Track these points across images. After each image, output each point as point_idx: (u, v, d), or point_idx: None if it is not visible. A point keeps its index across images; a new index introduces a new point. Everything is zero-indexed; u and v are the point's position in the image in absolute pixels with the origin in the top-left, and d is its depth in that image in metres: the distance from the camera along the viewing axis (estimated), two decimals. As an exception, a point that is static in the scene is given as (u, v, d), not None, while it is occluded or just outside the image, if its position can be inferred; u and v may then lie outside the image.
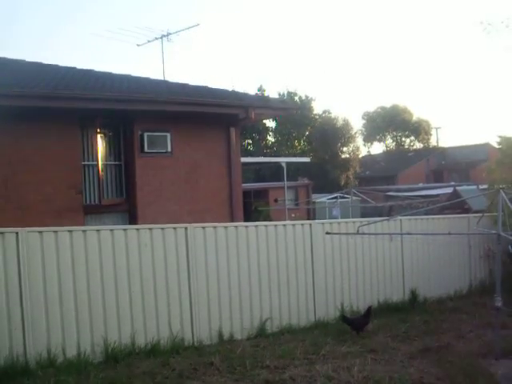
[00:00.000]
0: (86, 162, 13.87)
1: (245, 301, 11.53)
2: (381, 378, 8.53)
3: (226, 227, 11.52)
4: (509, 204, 9.95)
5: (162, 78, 20.60)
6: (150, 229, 10.60)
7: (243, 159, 22.05)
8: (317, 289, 12.50)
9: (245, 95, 17.98)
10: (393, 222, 13.81)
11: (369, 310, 11.72)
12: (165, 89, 15.26)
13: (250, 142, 53.67)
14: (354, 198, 28.28)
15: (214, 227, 11.31)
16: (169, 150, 14.36)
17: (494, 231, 10.61)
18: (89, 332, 9.77)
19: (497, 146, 17.34)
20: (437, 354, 9.98)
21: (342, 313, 12.58)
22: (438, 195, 31.50)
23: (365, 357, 9.78)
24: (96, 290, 9.88)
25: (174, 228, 10.84)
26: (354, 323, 11.51)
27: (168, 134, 14.31)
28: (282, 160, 29.18)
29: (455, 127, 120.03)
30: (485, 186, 18.73)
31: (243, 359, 9.62)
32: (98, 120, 13.69)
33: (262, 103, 16.53)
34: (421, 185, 45.58)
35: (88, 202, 13.81)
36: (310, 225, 12.63)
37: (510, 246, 10.64)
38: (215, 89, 16.48)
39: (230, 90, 18.62)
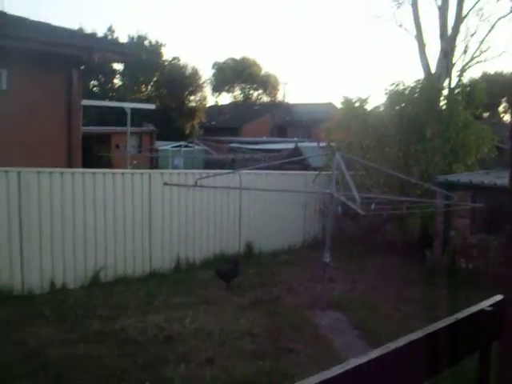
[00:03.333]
0: None
1: (79, 249, 11.25)
2: (212, 329, 8.71)
3: (62, 173, 11.13)
4: (342, 165, 10.32)
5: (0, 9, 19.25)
6: (-20, 172, 10.02)
7: (86, 102, 21.29)
8: (153, 240, 12.42)
9: (90, 36, 17.32)
10: (233, 176, 13.94)
11: (236, 262, 11.83)
12: (3, 21, 14.25)
13: (96, 83, 51.98)
14: (198, 147, 28.28)
15: (50, 173, 10.89)
16: (4, 87, 13.49)
17: (328, 190, 11.01)
18: None
19: (339, 106, 17.89)
20: (267, 306, 10.31)
21: (178, 263, 12.68)
22: (280, 150, 32.19)
23: (198, 308, 9.92)
24: None
25: (6, 172, 10.30)
26: (225, 275, 11.58)
27: (4, 71, 13.41)
28: (127, 105, 28.46)
29: (302, 84, 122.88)
30: (325, 144, 19.35)
31: (75, 309, 9.47)
32: None
33: (107, 46, 15.94)
34: (265, 138, 46.42)
35: None
36: (149, 174, 12.48)
37: (339, 207, 11.08)
38: (59, 27, 15.61)
39: (76, 28, 17.81)
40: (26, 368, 7.07)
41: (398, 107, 15.34)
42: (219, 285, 11.56)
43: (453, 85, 22.64)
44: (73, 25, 35.98)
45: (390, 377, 1.58)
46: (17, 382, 5.91)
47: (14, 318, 9.01)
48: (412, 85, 15.38)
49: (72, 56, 14.35)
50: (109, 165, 25.55)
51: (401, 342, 1.61)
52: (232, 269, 11.72)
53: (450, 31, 24.04)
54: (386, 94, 15.58)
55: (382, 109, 16.38)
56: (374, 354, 1.53)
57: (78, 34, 16.89)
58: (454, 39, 24.23)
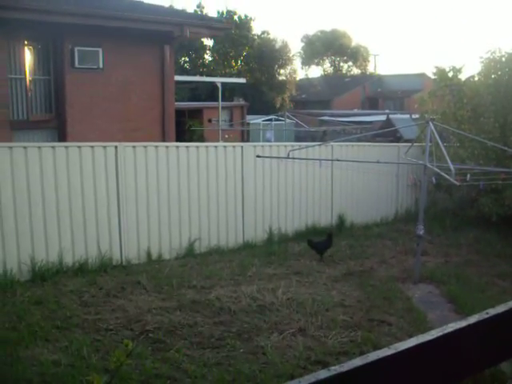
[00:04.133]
0: (12, 76, 13.32)
1: (174, 221, 11.55)
2: (304, 300, 8.78)
3: (156, 147, 11.41)
4: (436, 136, 10.13)
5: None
6: (79, 147, 10.40)
7: (178, 77, 21.68)
8: (246, 211, 12.60)
9: (181, 12, 17.60)
10: (324, 148, 13.92)
11: (330, 234, 11.94)
12: (97, 2, 14.67)
13: (187, 59, 52.67)
14: (289, 121, 28.30)
15: (145, 146, 11.18)
16: (100, 66, 13.92)
17: (421, 162, 10.84)
18: (15, 250, 9.67)
19: (432, 77, 17.46)
20: (359, 278, 10.32)
21: (270, 235, 12.83)
22: (371, 122, 31.80)
23: (290, 279, 10.03)
24: (23, 209, 9.71)
25: (104, 146, 10.66)
26: (318, 247, 11.70)
27: (100, 50, 13.83)
28: (218, 80, 28.74)
29: (393, 55, 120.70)
30: (417, 116, 19.00)
31: (170, 279, 9.74)
32: (26, 31, 13.04)
33: (198, 22, 16.12)
34: (356, 111, 45.92)
35: (15, 118, 13.35)
36: (242, 147, 12.61)
37: (433, 178, 10.88)
38: (150, 4, 15.98)
39: (167, 6, 18.09)
40: (128, 332, 7.39)
41: (494, 75, 14.83)
42: (311, 256, 11.64)
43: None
44: (163, 3, 36.43)
45: (486, 343, 1.59)
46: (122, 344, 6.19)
47: (114, 286, 9.39)
48: (510, 52, 14.81)
49: (164, 32, 14.67)
50: (201, 139, 25.96)
51: (500, 308, 1.61)
52: (325, 240, 11.78)
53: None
54: (482, 62, 15.06)
55: (477, 78, 15.84)
56: (473, 319, 1.54)
57: (170, 11, 17.16)
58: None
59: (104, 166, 10.59)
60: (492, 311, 1.59)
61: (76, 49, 13.43)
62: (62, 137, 13.51)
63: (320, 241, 11.90)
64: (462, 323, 1.52)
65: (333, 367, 1.26)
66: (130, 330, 7.49)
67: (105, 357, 6.49)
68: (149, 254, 11.20)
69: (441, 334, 1.45)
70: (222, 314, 8.20)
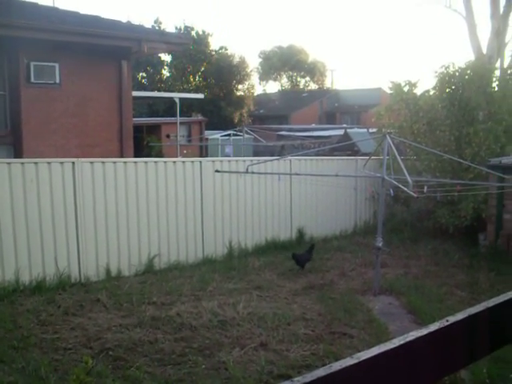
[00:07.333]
0: (-35, 91, 13.10)
1: (133, 237, 11.45)
2: (265, 315, 8.76)
3: (114, 162, 11.30)
4: (393, 149, 10.25)
5: (51, 5, 19.57)
6: (36, 163, 10.25)
7: (136, 93, 21.56)
8: (205, 226, 12.56)
9: (139, 28, 17.49)
10: (283, 162, 13.98)
11: (312, 247, 12.12)
12: (54, 16, 14.51)
13: (145, 75, 52.53)
14: (247, 136, 28.36)
15: (103, 162, 11.07)
16: (57, 81, 13.76)
17: (378, 174, 10.96)
18: (-31, 268, 9.47)
19: (389, 92, 17.68)
20: (320, 291, 10.34)
21: (230, 250, 12.82)
22: (329, 136, 32.06)
23: (250, 293, 10.00)
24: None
25: (61, 163, 10.53)
26: (300, 259, 11.77)
27: (56, 65, 13.67)
28: (176, 95, 28.71)
29: (350, 70, 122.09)
30: (374, 130, 19.21)
31: (130, 296, 9.65)
32: (-21, 46, 12.84)
33: (156, 37, 16.06)
34: (313, 125, 46.24)
35: (-32, 133, 13.12)
36: (200, 162, 12.59)
37: (390, 190, 11.01)
38: (108, 19, 15.83)
39: (125, 21, 17.99)
40: (88, 351, 7.27)
41: (448, 90, 15.09)
42: (271, 271, 11.65)
43: (505, 65, 22.17)
44: (120, 18, 36.45)
45: (447, 350, 1.60)
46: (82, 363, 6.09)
47: (72, 304, 9.25)
48: (463, 66, 15.10)
49: (122, 47, 14.57)
50: (159, 154, 25.82)
51: (460, 315, 1.62)
52: (305, 254, 11.96)
53: (501, 10, 23.54)
54: (436, 76, 15.32)
55: (431, 92, 16.10)
56: (434, 327, 1.55)
57: (128, 26, 17.08)
58: (507, 18, 23.68)
59: (61, 183, 10.45)
60: (452, 319, 1.60)
61: (32, 64, 13.25)
62: (17, 153, 13.30)
63: (301, 253, 12.08)
64: (423, 331, 1.52)
65: (296, 378, 1.25)
66: (89, 349, 7.38)
67: (64, 377, 6.38)
68: (108, 271, 11.07)
69: (403, 342, 1.45)
70: (183, 330, 8.13)
